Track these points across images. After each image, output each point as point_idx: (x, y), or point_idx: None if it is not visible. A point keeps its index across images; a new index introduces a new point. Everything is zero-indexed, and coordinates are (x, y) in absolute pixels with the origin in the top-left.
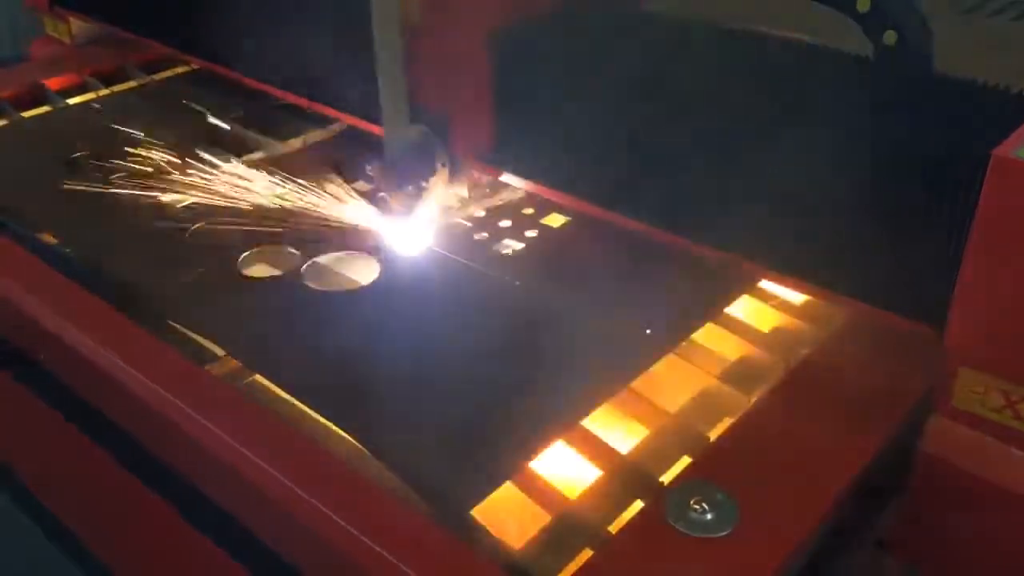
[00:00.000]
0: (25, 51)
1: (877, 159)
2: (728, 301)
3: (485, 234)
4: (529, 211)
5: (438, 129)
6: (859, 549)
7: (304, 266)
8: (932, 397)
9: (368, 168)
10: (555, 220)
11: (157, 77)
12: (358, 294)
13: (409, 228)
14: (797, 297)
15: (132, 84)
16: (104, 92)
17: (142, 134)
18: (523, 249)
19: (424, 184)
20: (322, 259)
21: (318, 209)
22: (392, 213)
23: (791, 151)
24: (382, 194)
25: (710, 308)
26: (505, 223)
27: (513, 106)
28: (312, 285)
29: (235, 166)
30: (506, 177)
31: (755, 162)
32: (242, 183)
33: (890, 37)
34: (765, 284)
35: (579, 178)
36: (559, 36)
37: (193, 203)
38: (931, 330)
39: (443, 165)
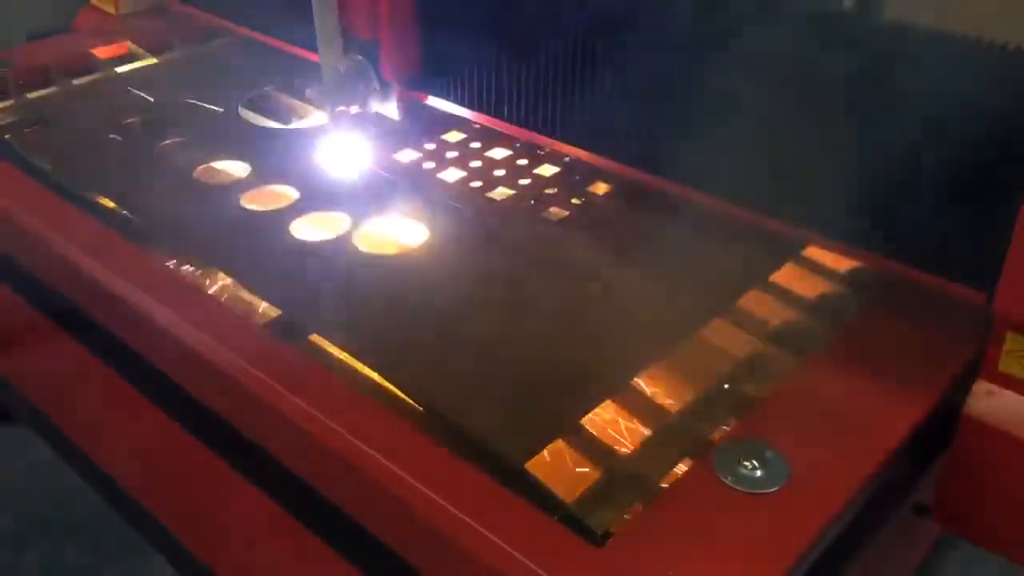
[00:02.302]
0: (70, 22)
1: (923, 120)
2: (775, 266)
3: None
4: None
5: (369, 56)
6: (899, 512)
7: (353, 229)
8: (978, 361)
9: (307, 92)
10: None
11: (205, 47)
12: (408, 256)
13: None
14: (846, 261)
15: (177, 54)
16: (150, 61)
17: (190, 102)
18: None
19: (358, 106)
20: (371, 222)
21: None
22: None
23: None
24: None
25: (757, 272)
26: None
27: (437, 32)
28: (362, 248)
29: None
30: (432, 101)
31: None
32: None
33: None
34: (811, 248)
35: (502, 101)
36: None
37: (244, 170)
38: (980, 294)
39: (375, 89)
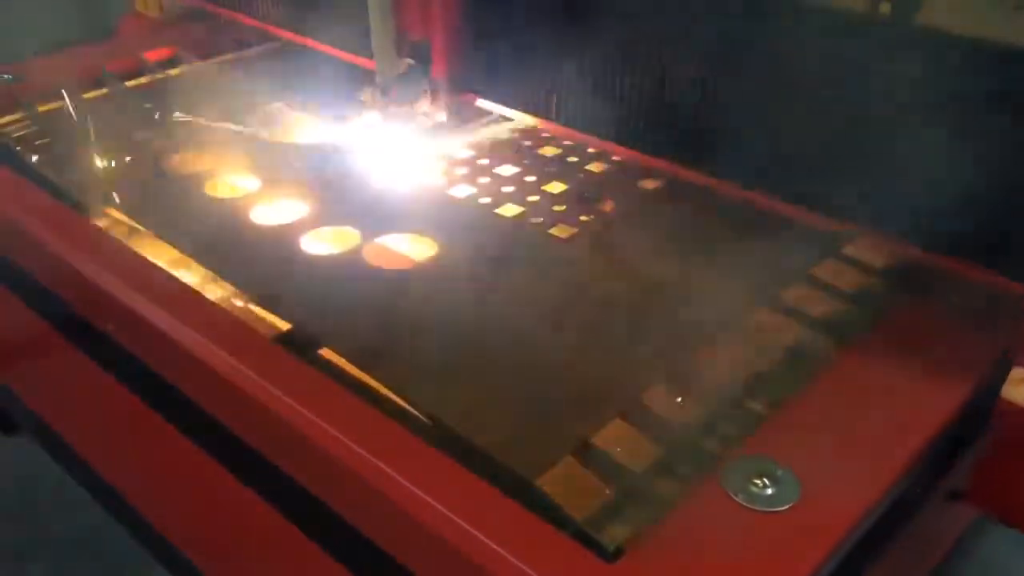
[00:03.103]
0: (114, 27)
1: (957, 111)
2: (794, 278)
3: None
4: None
5: (422, 58)
6: (927, 505)
7: (363, 244)
8: (1014, 350)
9: (362, 95)
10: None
11: (246, 53)
12: (417, 271)
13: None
14: (874, 253)
15: (219, 60)
16: (161, 75)
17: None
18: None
19: (411, 107)
20: (381, 239)
21: None
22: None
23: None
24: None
25: (780, 281)
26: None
27: (487, 35)
28: (372, 262)
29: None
30: (482, 102)
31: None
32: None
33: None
34: (848, 246)
35: (552, 103)
36: None
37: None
38: (1016, 285)
39: (426, 91)
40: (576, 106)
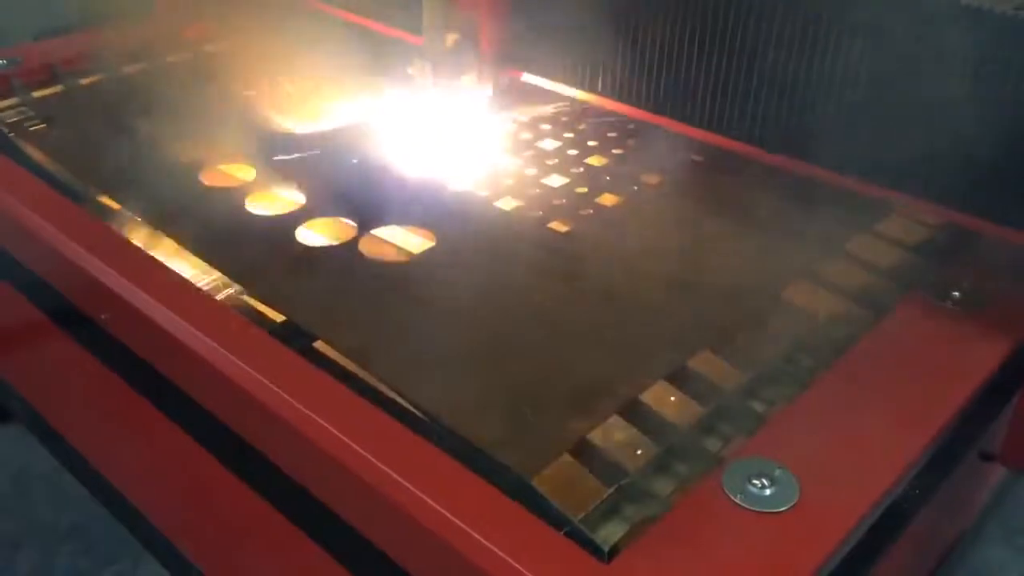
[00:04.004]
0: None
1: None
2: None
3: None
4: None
5: (468, 32)
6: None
7: (360, 236)
8: None
9: (409, 69)
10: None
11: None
12: (413, 264)
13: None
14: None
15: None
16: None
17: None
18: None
19: (457, 81)
20: (377, 231)
21: None
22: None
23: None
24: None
25: (789, 274)
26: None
27: (531, 9)
28: (367, 255)
29: None
30: (527, 77)
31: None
32: None
33: None
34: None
35: (595, 75)
36: None
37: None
38: None
39: (473, 64)
40: (623, 80)
